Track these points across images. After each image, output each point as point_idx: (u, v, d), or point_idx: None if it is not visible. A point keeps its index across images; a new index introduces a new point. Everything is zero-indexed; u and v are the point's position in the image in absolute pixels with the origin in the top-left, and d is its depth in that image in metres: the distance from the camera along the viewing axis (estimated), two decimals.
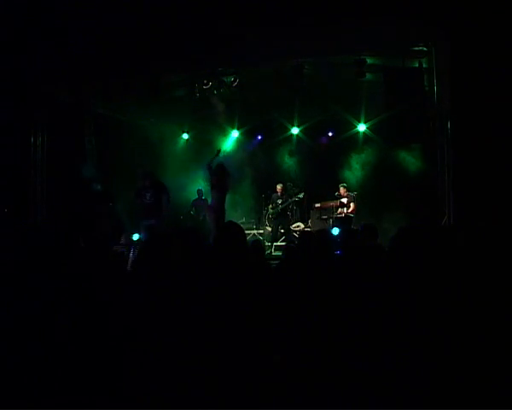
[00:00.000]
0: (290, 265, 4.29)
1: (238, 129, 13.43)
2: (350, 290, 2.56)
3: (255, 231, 12.35)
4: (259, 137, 13.66)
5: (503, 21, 7.02)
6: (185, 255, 3.36)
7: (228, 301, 2.43)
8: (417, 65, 8.46)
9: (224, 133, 13.47)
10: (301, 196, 11.70)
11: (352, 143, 12.41)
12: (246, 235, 3.17)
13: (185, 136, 13.89)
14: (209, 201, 10.22)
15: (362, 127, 12.26)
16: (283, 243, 10.93)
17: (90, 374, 2.47)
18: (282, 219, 11.29)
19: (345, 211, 11.11)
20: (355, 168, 12.03)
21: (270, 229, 11.65)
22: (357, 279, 2.78)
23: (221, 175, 9.20)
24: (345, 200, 11.20)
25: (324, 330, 2.40)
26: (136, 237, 8.75)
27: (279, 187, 11.55)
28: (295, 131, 12.93)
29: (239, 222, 11.34)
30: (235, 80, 9.64)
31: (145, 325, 2.49)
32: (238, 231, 2.88)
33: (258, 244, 4.62)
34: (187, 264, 3.16)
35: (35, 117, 9.83)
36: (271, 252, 10.86)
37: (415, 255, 1.80)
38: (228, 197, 9.65)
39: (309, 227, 11.60)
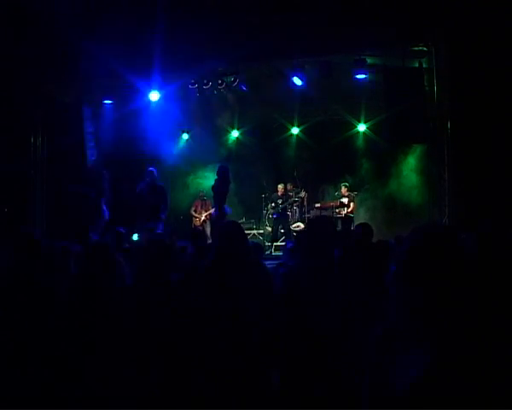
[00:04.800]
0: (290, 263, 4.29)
1: (238, 129, 13.42)
2: (355, 289, 2.55)
3: (255, 231, 12.34)
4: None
5: (502, 22, 7.02)
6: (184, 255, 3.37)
7: (228, 300, 2.44)
8: (417, 65, 8.47)
9: (224, 133, 13.46)
10: (302, 195, 11.71)
11: (352, 143, 12.41)
12: (246, 234, 3.17)
13: (185, 136, 13.88)
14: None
15: (362, 127, 12.26)
16: (283, 243, 10.92)
17: (88, 372, 2.48)
18: (282, 219, 11.28)
19: (345, 211, 11.12)
20: (355, 168, 12.02)
21: (270, 229, 11.65)
22: (362, 278, 2.77)
23: (220, 177, 9.19)
24: (345, 200, 11.21)
25: (325, 330, 2.40)
26: (135, 237, 8.76)
27: (280, 187, 11.53)
28: (295, 131, 12.92)
29: (239, 222, 11.40)
30: (235, 80, 9.64)
31: (143, 324, 2.50)
32: (238, 230, 2.88)
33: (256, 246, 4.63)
34: (186, 264, 3.16)
35: (35, 117, 9.83)
36: (271, 252, 10.86)
37: (434, 255, 1.77)
38: (228, 197, 9.64)
39: None
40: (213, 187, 9.42)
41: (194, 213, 11.99)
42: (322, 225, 2.82)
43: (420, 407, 1.59)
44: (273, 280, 2.94)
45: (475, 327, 1.49)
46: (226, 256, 2.65)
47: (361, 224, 5.30)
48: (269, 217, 11.82)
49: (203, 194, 11.94)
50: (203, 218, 11.81)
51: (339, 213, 11.14)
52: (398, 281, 1.67)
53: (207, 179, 11.84)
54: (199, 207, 12.00)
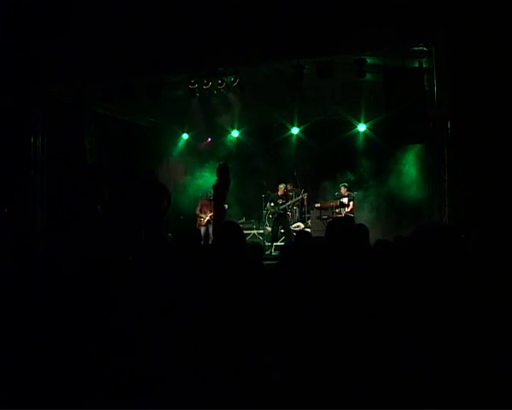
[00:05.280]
0: (288, 264, 4.29)
1: (238, 129, 13.42)
2: (356, 288, 2.55)
3: (255, 231, 12.33)
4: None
5: (502, 22, 7.03)
6: (184, 255, 3.37)
7: (226, 300, 2.44)
8: (417, 65, 8.46)
9: (224, 133, 13.47)
10: (303, 196, 11.72)
11: (352, 143, 12.41)
12: (244, 234, 3.17)
13: (185, 136, 13.89)
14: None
15: (362, 127, 12.26)
16: (283, 243, 10.91)
17: (89, 372, 2.48)
18: (282, 219, 11.28)
19: (345, 211, 11.13)
20: (355, 168, 12.02)
21: (270, 229, 11.64)
22: (364, 277, 2.77)
23: (221, 176, 9.17)
24: (345, 200, 11.21)
25: (324, 330, 2.39)
26: None
27: (281, 187, 11.50)
28: (295, 131, 12.93)
29: (239, 222, 11.42)
30: (235, 80, 9.63)
31: (143, 324, 2.50)
32: (237, 230, 2.88)
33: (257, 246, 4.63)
34: (186, 263, 3.16)
35: (35, 117, 9.83)
36: (271, 252, 10.86)
37: (439, 254, 1.77)
38: (228, 197, 9.62)
39: (309, 227, 11.61)
40: (214, 186, 9.41)
41: (199, 212, 11.89)
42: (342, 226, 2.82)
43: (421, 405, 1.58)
44: (272, 280, 2.94)
45: (476, 325, 1.49)
46: (224, 256, 2.65)
47: (356, 225, 5.29)
48: (269, 217, 11.81)
49: (210, 194, 11.80)
50: (207, 218, 11.70)
51: (339, 213, 11.15)
52: (401, 280, 1.67)
53: (207, 179, 11.84)
54: (204, 207, 11.88)
